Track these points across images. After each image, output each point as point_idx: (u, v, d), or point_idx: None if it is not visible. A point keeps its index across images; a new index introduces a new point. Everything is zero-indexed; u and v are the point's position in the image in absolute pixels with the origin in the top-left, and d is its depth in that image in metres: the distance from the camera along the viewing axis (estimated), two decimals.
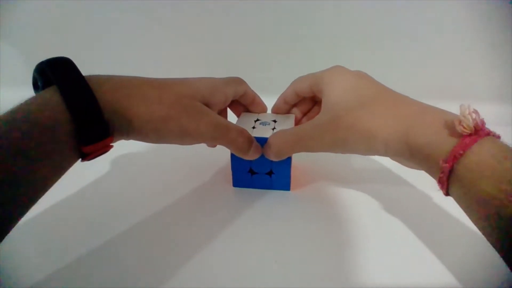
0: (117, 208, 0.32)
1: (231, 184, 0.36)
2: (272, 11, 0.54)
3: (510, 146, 0.21)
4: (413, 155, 0.24)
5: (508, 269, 0.19)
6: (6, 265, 0.25)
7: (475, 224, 0.21)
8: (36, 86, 0.24)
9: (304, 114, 0.37)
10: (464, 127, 0.21)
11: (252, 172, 0.34)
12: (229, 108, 0.36)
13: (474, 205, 0.20)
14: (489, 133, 0.21)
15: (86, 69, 0.23)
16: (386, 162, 0.28)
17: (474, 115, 0.21)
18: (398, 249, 0.28)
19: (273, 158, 0.30)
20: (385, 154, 0.26)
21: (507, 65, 0.53)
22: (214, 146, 0.36)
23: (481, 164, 0.20)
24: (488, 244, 0.20)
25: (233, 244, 0.28)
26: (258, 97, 0.36)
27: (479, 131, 0.21)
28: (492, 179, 0.19)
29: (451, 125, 0.22)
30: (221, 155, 0.36)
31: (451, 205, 0.23)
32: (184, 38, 0.57)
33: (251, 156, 0.29)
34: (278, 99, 0.36)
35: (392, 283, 0.24)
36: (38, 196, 0.21)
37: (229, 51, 0.57)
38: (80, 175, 0.35)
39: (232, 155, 0.32)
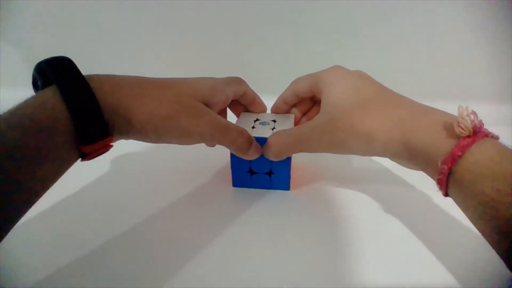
0: (117, 208, 0.32)
1: (231, 184, 0.36)
2: (272, 11, 0.54)
3: (510, 146, 0.21)
4: (412, 156, 0.24)
5: (507, 269, 0.19)
6: (6, 265, 0.25)
7: (474, 225, 0.21)
8: (35, 86, 0.24)
9: (304, 114, 0.37)
10: (462, 129, 0.21)
11: (251, 172, 0.34)
12: (229, 108, 0.36)
13: (473, 206, 0.20)
14: (487, 134, 0.21)
15: (86, 69, 0.23)
16: (386, 162, 0.28)
17: (472, 117, 0.21)
18: (397, 249, 0.28)
19: (272, 158, 0.30)
20: (384, 155, 0.26)
21: (507, 65, 0.53)
22: (213, 145, 0.36)
23: (479, 165, 0.20)
24: (488, 244, 0.20)
25: (233, 244, 0.28)
26: (258, 97, 0.36)
27: (477, 133, 0.21)
28: (490, 181, 0.19)
29: (449, 127, 0.22)
30: (221, 155, 0.36)
31: (450, 205, 0.23)
32: (184, 38, 0.57)
33: (251, 156, 0.29)
34: (277, 100, 0.36)
35: (392, 283, 0.24)
36: (38, 196, 0.21)
37: (229, 51, 0.57)
38: (80, 175, 0.35)
39: (232, 155, 0.32)
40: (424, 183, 0.25)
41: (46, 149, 0.20)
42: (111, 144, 0.24)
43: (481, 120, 0.21)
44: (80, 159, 0.23)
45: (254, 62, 0.57)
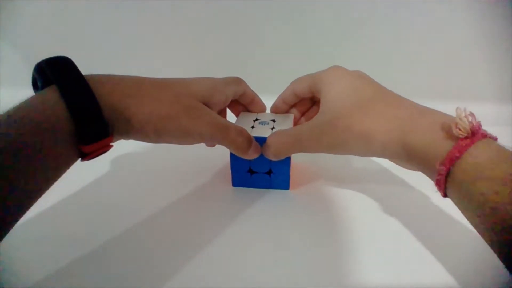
0: (117, 207, 0.32)
1: (231, 183, 0.36)
2: (271, 10, 0.54)
3: (509, 147, 0.21)
4: (411, 157, 0.24)
5: (506, 269, 0.19)
6: (6, 265, 0.25)
7: (473, 226, 0.21)
8: (35, 86, 0.23)
9: (303, 114, 0.37)
10: (460, 130, 0.21)
11: (251, 171, 0.34)
12: (228, 108, 0.36)
13: (471, 207, 0.20)
14: (485, 136, 0.21)
15: (85, 69, 0.23)
16: (385, 162, 0.28)
17: (470, 118, 0.21)
18: (397, 248, 0.28)
19: (271, 158, 0.30)
20: (382, 155, 0.26)
21: (507, 65, 0.53)
22: (213, 146, 0.36)
23: (477, 166, 0.20)
24: (487, 244, 0.20)
25: (233, 243, 0.28)
26: (258, 96, 0.36)
27: (475, 134, 0.21)
28: (488, 182, 0.19)
29: (448, 128, 0.22)
30: (221, 154, 0.36)
31: (450, 205, 0.23)
32: (184, 38, 0.57)
33: (251, 155, 0.29)
34: (277, 100, 0.36)
35: (392, 283, 0.24)
36: (38, 196, 0.21)
37: (229, 51, 0.57)
38: (80, 175, 0.35)
39: (232, 155, 0.32)
40: (423, 183, 0.25)
41: (46, 149, 0.20)
42: (111, 144, 0.24)
43: (479, 121, 0.21)
44: (80, 159, 0.23)
45: (254, 62, 0.57)
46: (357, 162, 0.40)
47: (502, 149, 0.21)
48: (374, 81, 0.30)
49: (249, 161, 0.33)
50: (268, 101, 0.37)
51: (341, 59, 0.34)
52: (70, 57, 0.23)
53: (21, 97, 0.21)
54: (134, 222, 0.30)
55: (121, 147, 0.26)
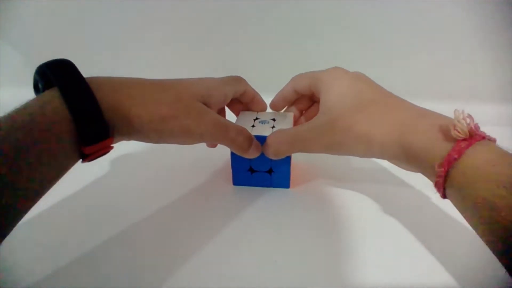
0: (117, 207, 0.32)
1: (231, 182, 0.36)
2: (271, 11, 0.54)
3: (509, 147, 0.21)
4: (410, 159, 0.24)
5: (506, 270, 0.19)
6: (6, 265, 0.25)
7: (472, 227, 0.21)
8: (37, 89, 0.24)
9: (302, 113, 0.37)
10: (458, 132, 0.21)
11: (252, 170, 0.34)
12: (228, 107, 0.36)
13: (470, 209, 0.20)
14: (484, 137, 0.21)
15: (85, 69, 0.23)
16: (385, 161, 0.28)
17: (468, 120, 0.21)
18: (397, 247, 0.27)
19: (271, 157, 0.30)
20: (381, 157, 0.27)
21: (507, 65, 0.53)
22: (214, 146, 0.36)
23: (475, 168, 0.20)
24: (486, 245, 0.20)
25: (234, 242, 0.28)
26: (258, 95, 0.36)
27: (473, 136, 0.21)
28: (486, 183, 0.19)
29: (446, 130, 0.22)
30: (221, 153, 0.36)
31: (450, 205, 0.23)
32: (184, 38, 0.57)
33: (251, 154, 0.29)
34: (276, 95, 0.36)
35: (391, 282, 0.24)
36: (39, 197, 0.21)
37: (229, 50, 0.57)
38: (80, 175, 0.35)
39: (232, 154, 0.32)
40: (423, 182, 0.25)
41: (47, 150, 0.20)
42: (111, 145, 0.24)
43: (477, 123, 0.21)
44: (81, 160, 0.23)
45: (254, 62, 0.57)
46: (357, 161, 0.40)
47: (500, 151, 0.21)
48: (374, 83, 0.30)
49: (250, 160, 0.33)
50: (268, 101, 0.37)
51: (342, 59, 0.34)
52: (70, 57, 0.23)
53: (21, 97, 0.21)
54: (134, 221, 0.30)
55: (121, 146, 0.26)
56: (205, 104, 0.28)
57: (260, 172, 0.34)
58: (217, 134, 0.27)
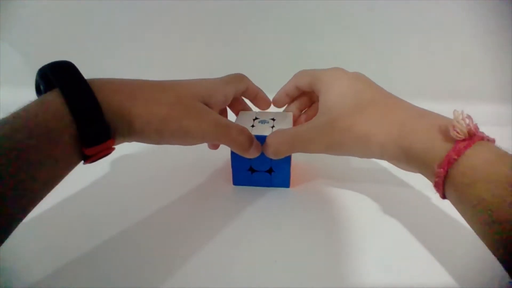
0: (117, 207, 0.32)
1: (231, 182, 0.36)
2: (271, 10, 0.54)
3: (509, 147, 0.21)
4: (409, 159, 0.24)
5: (505, 270, 0.19)
6: (6, 265, 0.25)
7: (471, 227, 0.21)
8: (38, 90, 0.24)
9: (301, 112, 0.37)
10: (457, 132, 0.21)
11: (252, 170, 0.34)
12: (229, 107, 0.36)
13: (469, 209, 0.20)
14: (483, 138, 0.21)
15: (85, 69, 0.23)
16: (385, 161, 0.28)
17: (467, 121, 0.21)
18: (397, 247, 0.27)
19: (271, 156, 0.30)
20: (381, 157, 0.27)
21: (507, 65, 0.53)
22: (216, 148, 0.36)
23: (474, 168, 0.20)
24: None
25: (234, 242, 0.28)
26: (262, 92, 0.36)
27: (473, 136, 0.21)
28: (485, 184, 0.19)
29: (445, 130, 0.22)
30: (221, 153, 0.36)
31: (449, 205, 0.23)
32: (184, 38, 0.57)
33: (252, 154, 0.29)
34: (279, 92, 0.36)
35: (391, 282, 0.24)
36: (40, 198, 0.21)
37: (229, 50, 0.57)
38: (81, 175, 0.35)
39: (232, 154, 0.32)
40: (423, 182, 0.25)
41: (48, 151, 0.20)
42: (113, 146, 0.24)
43: (476, 124, 0.21)
44: (82, 161, 0.23)
45: (254, 62, 0.57)
46: (357, 161, 0.40)
47: (500, 151, 0.21)
48: (373, 83, 0.30)
49: (250, 159, 0.33)
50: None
51: (342, 58, 0.34)
52: (69, 57, 0.23)
53: (21, 97, 0.21)
54: (135, 221, 0.30)
55: (122, 146, 0.26)
56: (206, 104, 0.28)
57: (260, 171, 0.34)
58: (218, 134, 0.27)
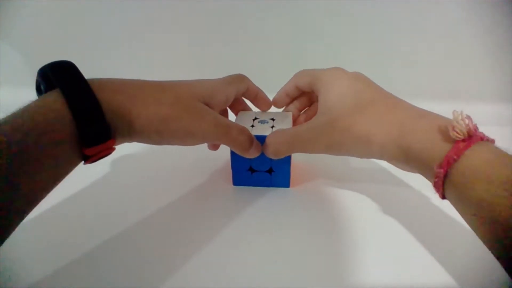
0: (117, 207, 0.32)
1: (231, 182, 0.36)
2: (271, 10, 0.54)
3: (509, 147, 0.21)
4: (409, 159, 0.24)
5: (505, 271, 0.19)
6: (6, 265, 0.25)
7: (471, 227, 0.21)
8: (39, 90, 0.24)
9: (300, 112, 0.37)
10: (457, 133, 0.21)
11: (252, 170, 0.34)
12: (229, 108, 0.36)
13: (469, 209, 0.20)
14: (482, 138, 0.21)
15: (85, 69, 0.23)
16: (385, 161, 0.28)
17: (467, 121, 0.21)
18: (397, 247, 0.27)
19: (271, 156, 0.30)
20: (381, 157, 0.27)
21: (507, 65, 0.53)
22: (216, 148, 0.36)
23: (474, 169, 0.20)
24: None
25: (234, 242, 0.28)
26: (262, 92, 0.36)
27: (472, 136, 0.21)
28: (485, 184, 0.19)
29: (445, 131, 0.22)
30: (221, 154, 0.36)
31: (449, 205, 0.23)
32: (184, 38, 0.57)
33: (252, 154, 0.29)
34: (279, 92, 0.36)
35: (391, 282, 0.24)
36: (40, 198, 0.21)
37: (229, 51, 0.57)
38: (80, 175, 0.35)
39: (232, 154, 0.32)
40: (423, 182, 0.25)
41: (48, 151, 0.20)
42: (113, 147, 0.24)
43: (475, 124, 0.21)
44: (82, 162, 0.23)
45: (254, 62, 0.57)
46: (357, 161, 0.40)
47: (499, 152, 0.21)
48: (373, 83, 0.30)
49: (250, 159, 0.33)
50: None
51: (342, 58, 0.34)
52: (69, 57, 0.23)
53: (21, 97, 0.21)
54: (135, 221, 0.30)
55: (122, 146, 0.26)
56: (207, 105, 0.28)
57: (260, 171, 0.34)
58: (218, 133, 0.27)
